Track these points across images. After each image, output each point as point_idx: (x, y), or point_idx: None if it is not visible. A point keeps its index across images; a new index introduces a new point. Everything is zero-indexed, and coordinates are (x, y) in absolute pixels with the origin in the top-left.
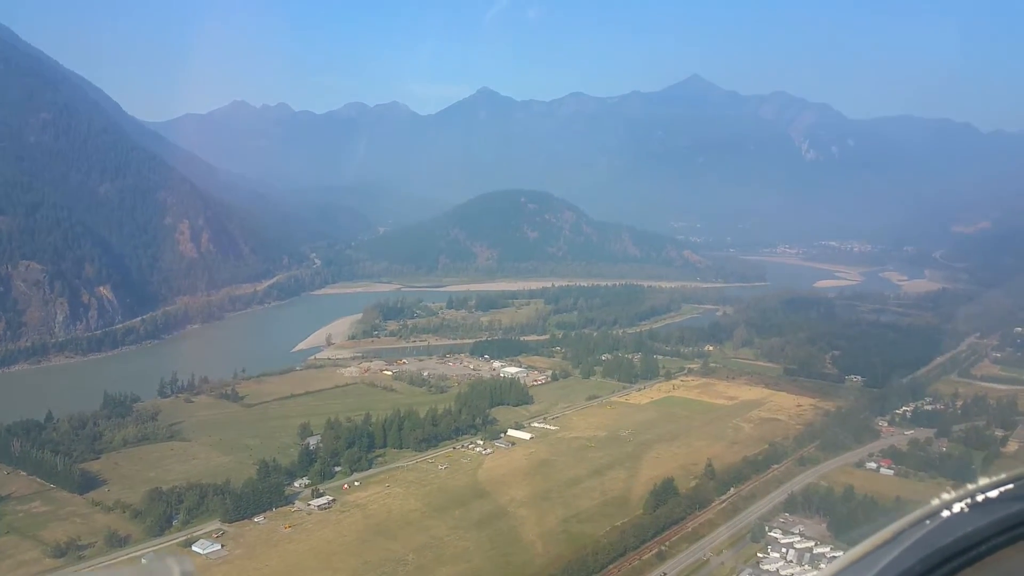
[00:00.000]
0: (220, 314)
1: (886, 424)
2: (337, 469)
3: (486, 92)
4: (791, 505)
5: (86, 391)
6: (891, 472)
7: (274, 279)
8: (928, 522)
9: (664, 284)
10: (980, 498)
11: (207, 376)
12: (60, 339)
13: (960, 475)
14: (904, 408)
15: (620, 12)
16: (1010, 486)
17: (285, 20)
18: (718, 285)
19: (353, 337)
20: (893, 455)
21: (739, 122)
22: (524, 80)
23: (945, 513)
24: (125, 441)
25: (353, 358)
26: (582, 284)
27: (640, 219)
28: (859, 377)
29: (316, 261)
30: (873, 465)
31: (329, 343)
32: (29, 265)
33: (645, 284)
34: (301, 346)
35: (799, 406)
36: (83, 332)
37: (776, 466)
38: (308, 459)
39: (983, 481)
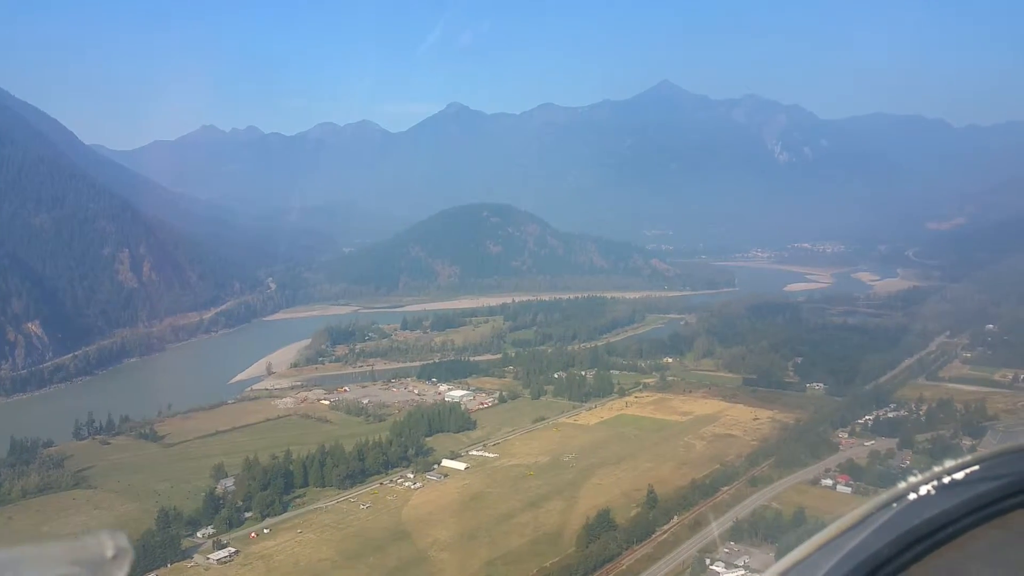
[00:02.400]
0: (160, 346)
1: (846, 436)
2: (248, 515)
3: (456, 107)
4: (737, 533)
5: (0, 436)
6: (848, 489)
7: (223, 306)
8: (895, 505)
9: (630, 295)
10: (947, 480)
11: (128, 415)
12: None
13: None
14: (866, 417)
15: (588, 21)
16: (976, 467)
17: (253, 43)
18: (685, 293)
19: (296, 365)
20: (851, 470)
21: (711, 126)
22: (494, 93)
23: (912, 496)
24: (24, 492)
25: (292, 387)
26: (544, 298)
27: (612, 228)
28: (821, 385)
29: (271, 285)
30: (829, 482)
31: (269, 372)
32: None
33: (610, 295)
34: (240, 377)
35: (756, 419)
36: (9, 372)
37: (725, 488)
38: (214, 505)
39: (949, 463)
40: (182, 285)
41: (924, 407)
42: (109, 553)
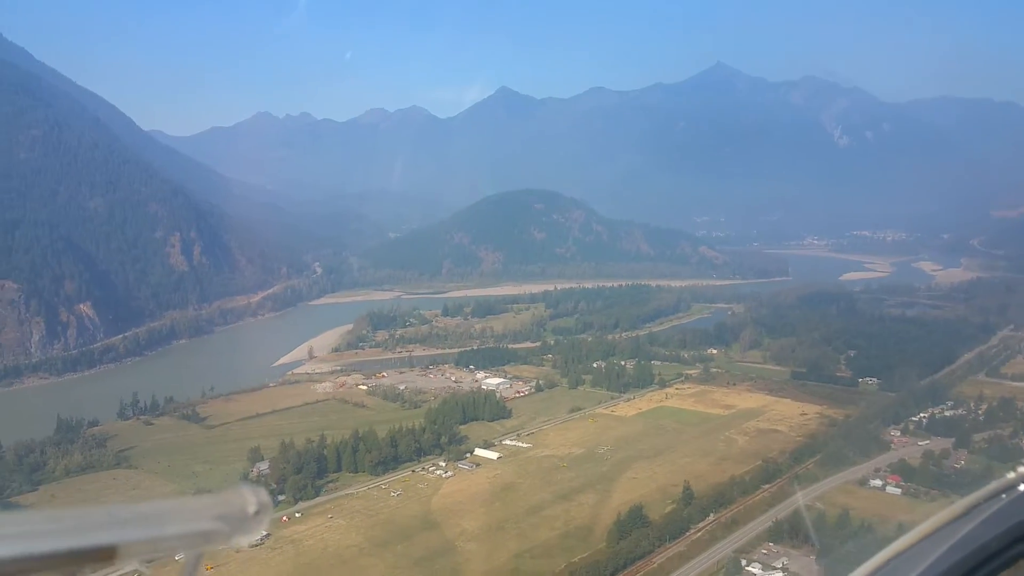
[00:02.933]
0: (209, 328)
1: (899, 434)
2: (281, 498)
3: (505, 92)
4: (776, 533)
5: (49, 415)
6: (898, 491)
7: (270, 290)
8: (1004, 496)
9: (676, 283)
10: None
11: (172, 396)
12: (35, 360)
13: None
14: (921, 415)
15: (641, 1)
16: None
17: (307, 30)
18: (735, 282)
19: (337, 349)
20: (902, 470)
21: (767, 110)
22: (544, 77)
23: (1022, 487)
24: (67, 471)
25: (332, 372)
26: (588, 286)
27: (662, 215)
28: (874, 379)
29: (318, 270)
30: (878, 482)
31: (310, 357)
32: (4, 284)
33: (655, 284)
34: (283, 360)
35: (803, 415)
36: (60, 351)
37: (767, 486)
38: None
39: None
40: (231, 269)
41: (983, 405)
42: (251, 509)
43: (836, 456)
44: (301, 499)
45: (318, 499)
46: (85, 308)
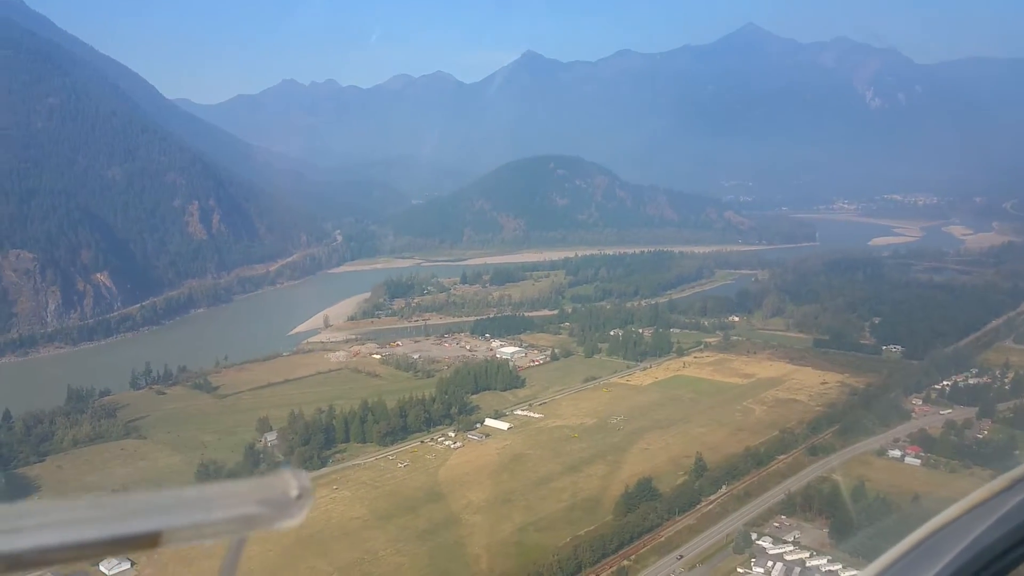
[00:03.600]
0: (227, 297)
1: (920, 402)
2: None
3: (531, 56)
4: (789, 506)
5: (62, 385)
6: (918, 461)
7: (289, 258)
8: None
9: (700, 249)
10: None
11: (185, 365)
12: (51, 329)
13: (999, 464)
14: (944, 383)
15: None
16: None
17: None
18: (760, 247)
19: (353, 318)
20: (922, 440)
21: (798, 71)
22: (570, 41)
23: None
24: (76, 441)
25: (346, 341)
26: (609, 252)
27: (689, 180)
28: (898, 347)
29: (338, 238)
30: (897, 453)
31: (326, 325)
32: (19, 254)
33: (678, 250)
34: (299, 329)
35: (824, 383)
36: (77, 321)
37: (782, 457)
38: (254, 459)
39: None
40: (250, 237)
41: (1009, 373)
42: (293, 493)
43: (855, 426)
44: (307, 470)
45: (324, 470)
46: (102, 277)
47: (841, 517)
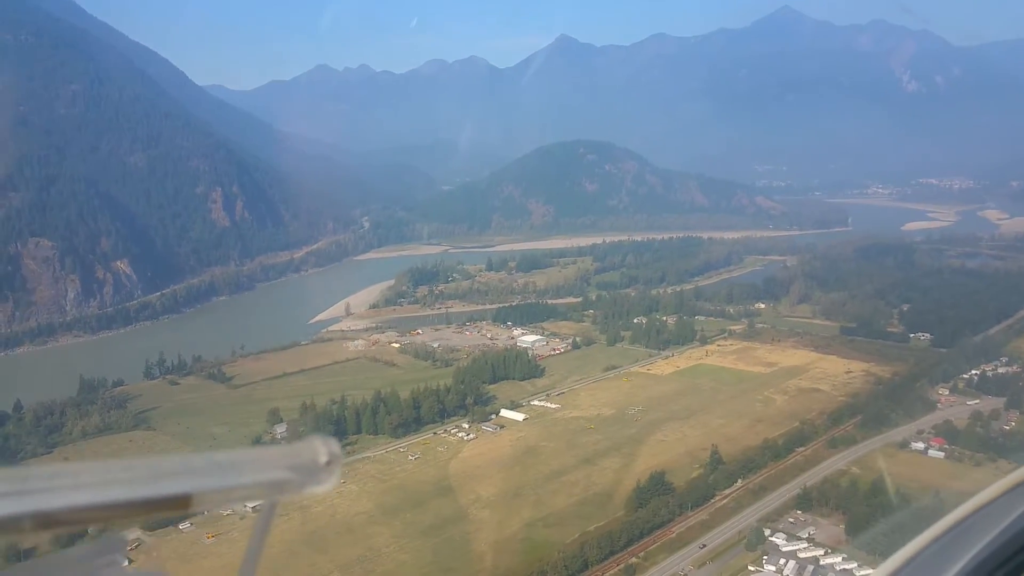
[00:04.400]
0: (250, 284)
1: (947, 392)
2: None
3: (565, 40)
4: (805, 501)
5: (76, 374)
6: (941, 454)
7: (314, 245)
8: None
9: (730, 235)
10: None
11: (201, 355)
12: (70, 318)
13: None
14: (973, 372)
15: None
16: None
17: None
18: (791, 233)
19: (375, 306)
20: (947, 432)
21: (833, 55)
22: (604, 24)
23: None
24: (84, 432)
25: (367, 329)
26: (638, 239)
27: (721, 165)
28: (926, 335)
29: (365, 224)
30: (920, 445)
31: (348, 313)
32: (39, 242)
33: (707, 236)
34: (321, 317)
35: (848, 372)
36: (96, 309)
37: (801, 449)
38: None
39: None
40: (275, 224)
41: None
42: (323, 459)
43: (878, 417)
44: None
45: None
46: (122, 265)
47: (858, 513)
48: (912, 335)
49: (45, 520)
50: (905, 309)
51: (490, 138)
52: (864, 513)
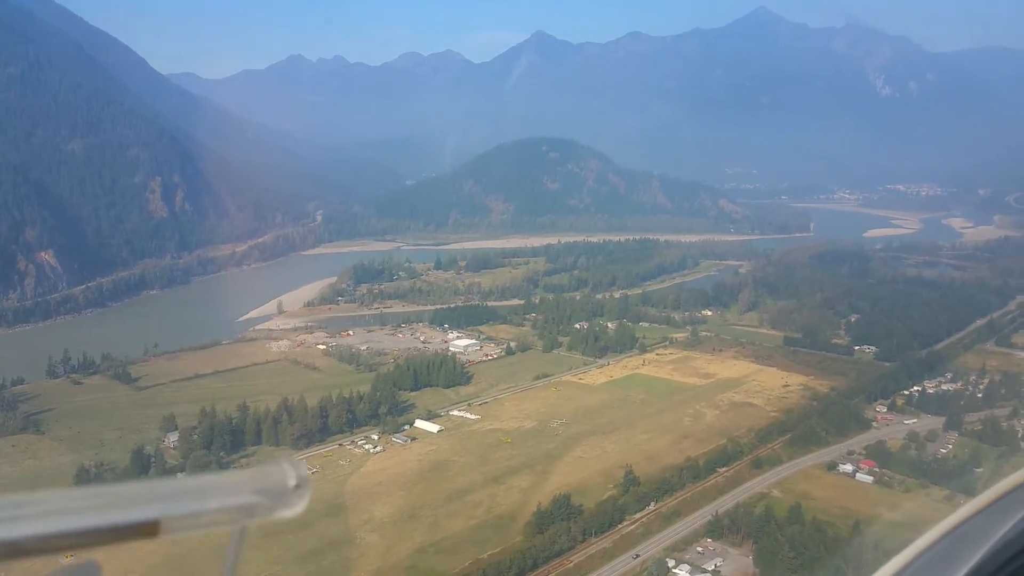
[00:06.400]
0: (185, 278)
1: (885, 410)
2: (179, 476)
3: (541, 36)
4: (717, 528)
5: None
6: (870, 478)
7: (260, 239)
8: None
9: (688, 238)
10: None
11: (111, 352)
12: None
13: (958, 483)
14: (914, 388)
15: None
16: None
17: None
18: (751, 237)
19: (310, 304)
20: (878, 454)
21: (808, 57)
22: (581, 22)
23: None
24: None
25: (296, 329)
26: (594, 240)
27: (692, 166)
28: (872, 348)
29: (317, 218)
30: (849, 467)
31: (280, 311)
32: None
33: (666, 238)
34: (251, 314)
35: (785, 386)
36: (15, 302)
37: (723, 469)
38: (141, 464)
39: None
40: (218, 216)
41: (985, 379)
42: (291, 483)
43: (808, 435)
44: None
45: None
46: (46, 256)
47: (769, 544)
48: (857, 347)
49: (12, 549)
50: (853, 320)
51: (463, 133)
52: (775, 544)
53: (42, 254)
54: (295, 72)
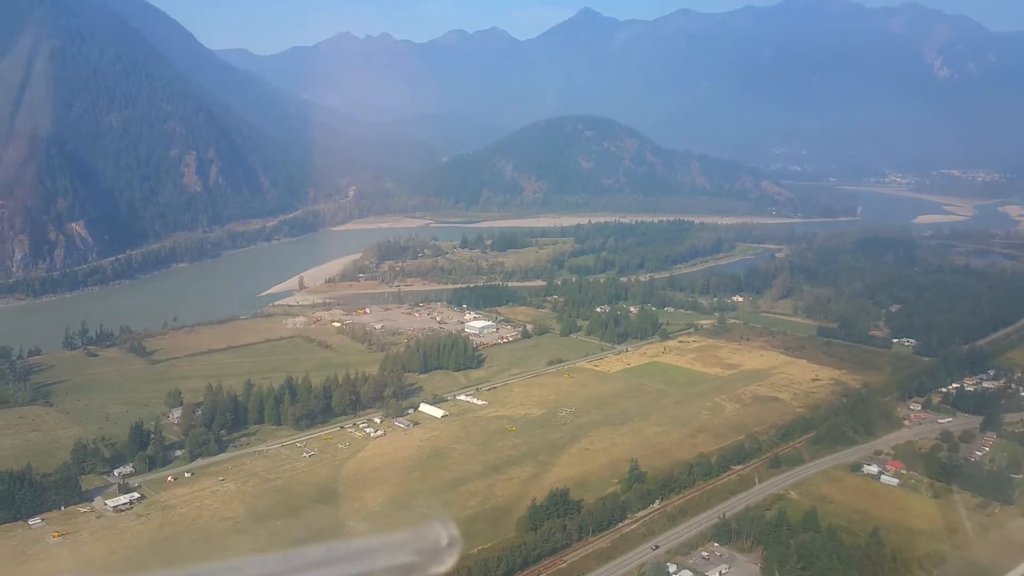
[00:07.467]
0: (215, 252)
1: (919, 408)
2: (179, 453)
3: (588, 13)
4: (725, 531)
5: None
6: (895, 481)
7: (291, 214)
8: None
9: (726, 220)
10: None
11: (129, 325)
12: (13, 280)
13: (992, 491)
14: (952, 385)
15: None
16: None
17: None
18: (793, 220)
19: (331, 280)
20: (907, 455)
21: (863, 37)
22: None
23: None
24: None
25: (314, 305)
26: (626, 220)
27: (738, 147)
28: (912, 341)
29: (350, 194)
30: (874, 469)
31: (301, 287)
32: None
33: (701, 220)
34: (273, 289)
35: (815, 379)
36: (44, 272)
37: (738, 467)
38: (140, 440)
39: None
40: (252, 190)
41: None
42: (444, 542)
43: (833, 433)
44: (201, 455)
45: (220, 456)
46: (77, 227)
47: (778, 551)
48: (895, 340)
49: None
50: (894, 310)
51: (503, 110)
52: (785, 552)
53: (73, 225)
54: (342, 49)
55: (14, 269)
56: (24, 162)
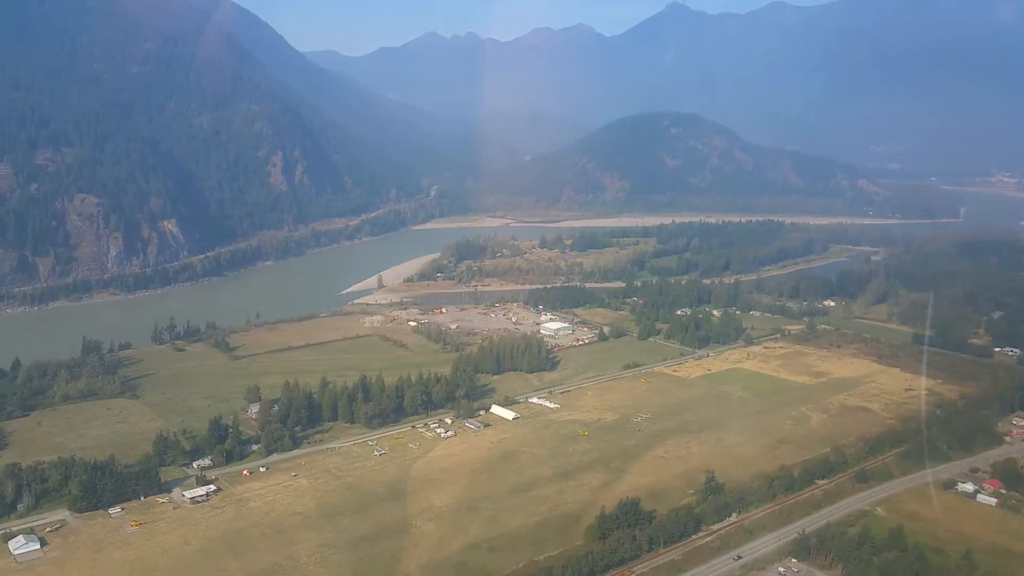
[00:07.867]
0: (299, 250)
1: (1022, 424)
2: (254, 448)
3: (676, 7)
4: (803, 547)
5: (94, 333)
6: (993, 500)
7: (373, 213)
8: None
9: (819, 220)
10: None
11: (215, 322)
12: (108, 276)
13: None
14: None
15: None
16: None
17: None
18: (891, 221)
19: (409, 280)
20: (1007, 473)
21: (970, 27)
22: None
23: None
24: (67, 396)
25: (391, 304)
26: (712, 220)
27: (834, 144)
28: (1015, 350)
29: (431, 193)
30: (969, 487)
31: (379, 286)
32: (85, 198)
33: (792, 220)
34: (353, 288)
35: (908, 390)
36: (137, 268)
37: (822, 481)
38: (218, 435)
39: None
40: (335, 190)
41: None
42: None
43: (926, 448)
44: (276, 450)
45: (294, 452)
46: (169, 225)
47: (859, 569)
48: (997, 349)
49: None
50: (996, 317)
51: (588, 108)
52: (867, 571)
53: (165, 223)
54: (429, 48)
55: (109, 265)
56: (118, 161)
